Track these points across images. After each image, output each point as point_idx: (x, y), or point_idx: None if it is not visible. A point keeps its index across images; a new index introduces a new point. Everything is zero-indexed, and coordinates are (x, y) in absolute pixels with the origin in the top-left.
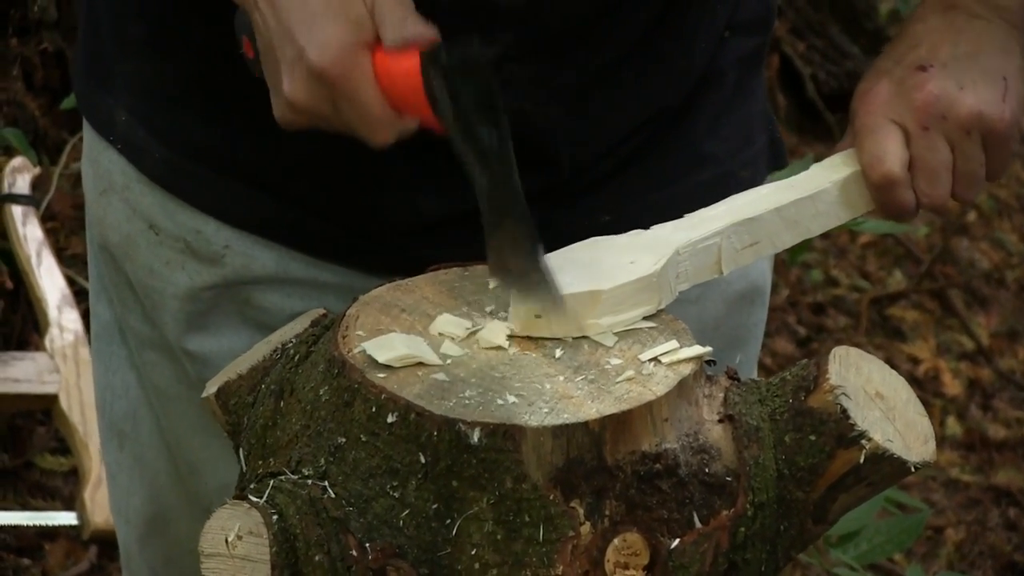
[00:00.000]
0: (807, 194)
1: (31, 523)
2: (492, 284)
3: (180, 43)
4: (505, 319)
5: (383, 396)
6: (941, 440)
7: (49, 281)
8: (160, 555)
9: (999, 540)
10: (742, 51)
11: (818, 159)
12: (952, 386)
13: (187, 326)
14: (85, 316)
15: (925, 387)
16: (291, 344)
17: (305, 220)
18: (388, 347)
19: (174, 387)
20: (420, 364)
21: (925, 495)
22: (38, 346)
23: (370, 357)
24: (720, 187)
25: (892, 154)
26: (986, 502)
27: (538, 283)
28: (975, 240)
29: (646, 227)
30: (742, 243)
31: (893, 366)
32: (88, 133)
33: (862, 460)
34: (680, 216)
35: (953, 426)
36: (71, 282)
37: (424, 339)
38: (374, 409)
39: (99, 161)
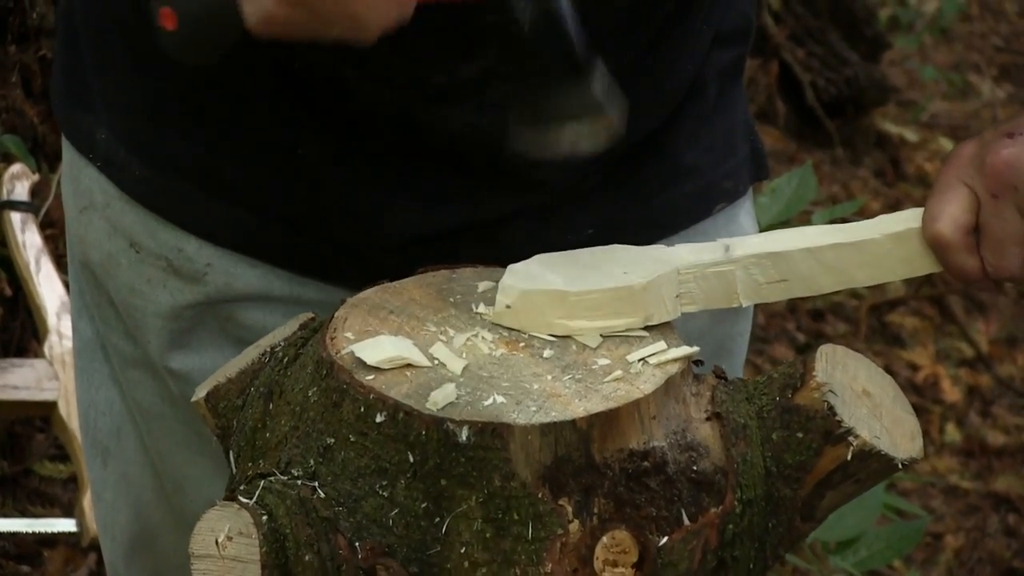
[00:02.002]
0: (850, 240)
1: (30, 530)
2: (481, 287)
3: (160, 60)
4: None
5: (371, 396)
6: (940, 447)
7: (48, 288)
8: (147, 572)
9: (998, 547)
10: (723, 62)
11: (816, 166)
12: (951, 393)
13: (170, 344)
14: None
15: (924, 394)
16: (280, 347)
17: (288, 237)
18: (377, 349)
19: (158, 405)
20: (408, 365)
21: (924, 502)
22: (37, 353)
23: (359, 358)
24: (703, 198)
25: (948, 215)
26: (985, 509)
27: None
28: None
29: (631, 238)
30: (767, 277)
31: (892, 373)
32: (68, 150)
33: (850, 457)
34: (665, 227)
35: (952, 433)
36: (70, 289)
37: (412, 340)
38: (362, 409)
39: (79, 179)
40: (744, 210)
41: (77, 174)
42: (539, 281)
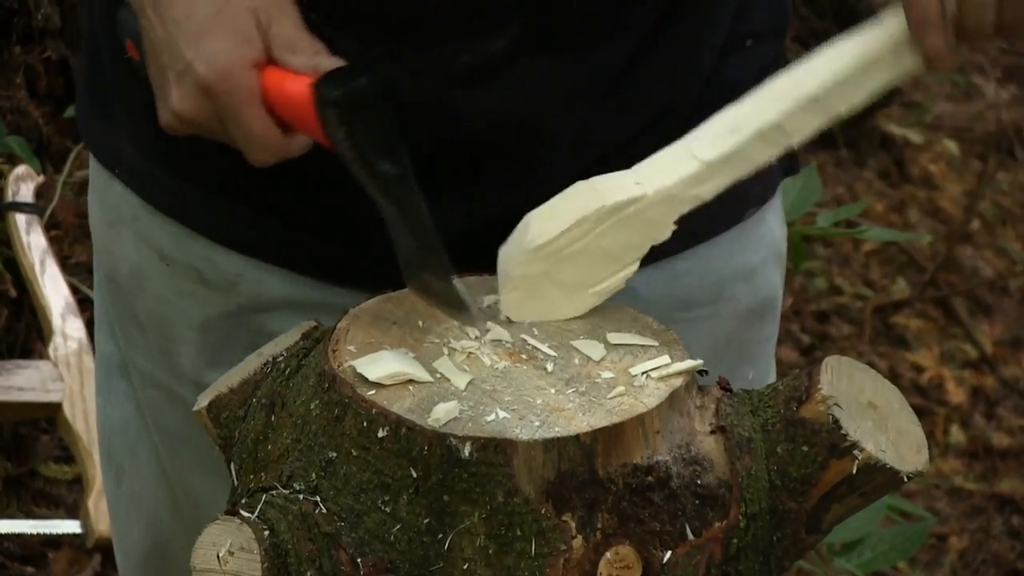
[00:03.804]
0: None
1: (35, 532)
2: (487, 300)
3: None
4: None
5: (374, 410)
6: (945, 448)
7: (53, 289)
8: None
9: (1003, 548)
10: (761, 61)
11: (821, 167)
12: (956, 394)
13: (201, 359)
14: (89, 324)
15: (929, 395)
16: (282, 357)
17: (317, 245)
18: (378, 365)
19: (177, 424)
20: (411, 380)
21: (929, 503)
22: (42, 354)
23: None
24: (733, 196)
25: None
26: (990, 510)
27: (453, 302)
28: (979, 248)
29: (666, 243)
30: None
31: (896, 375)
32: (94, 166)
33: (855, 470)
34: (696, 235)
35: (957, 434)
36: (75, 290)
37: (414, 353)
38: (365, 423)
39: (106, 193)
40: (772, 211)
41: (104, 189)
42: (526, 252)
